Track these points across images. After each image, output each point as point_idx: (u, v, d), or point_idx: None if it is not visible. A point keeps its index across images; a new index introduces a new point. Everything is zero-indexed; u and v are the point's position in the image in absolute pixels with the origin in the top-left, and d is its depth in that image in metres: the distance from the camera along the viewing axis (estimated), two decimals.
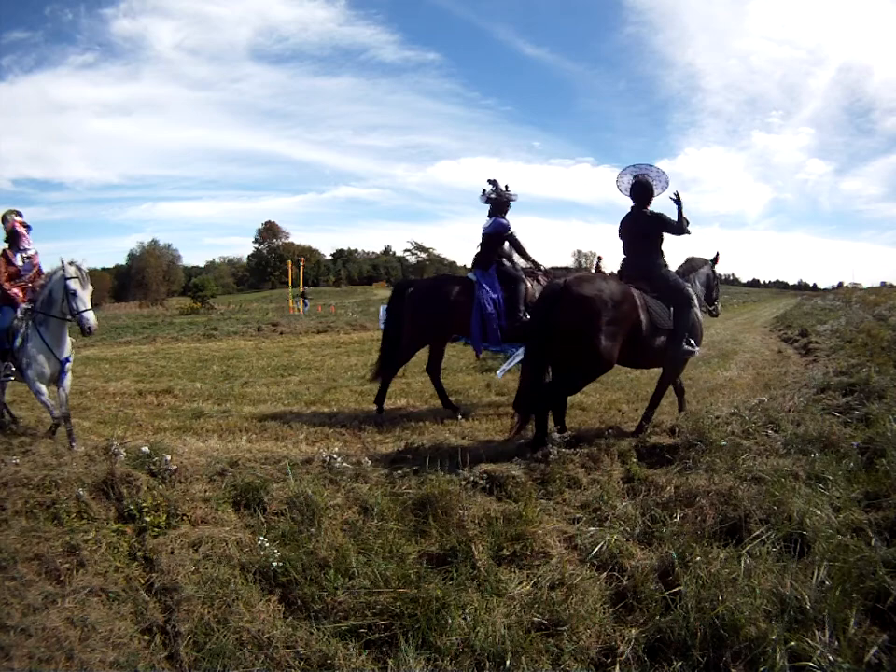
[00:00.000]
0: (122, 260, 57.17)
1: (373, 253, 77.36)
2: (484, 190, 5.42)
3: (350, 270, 71.78)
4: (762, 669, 1.69)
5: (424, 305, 5.05)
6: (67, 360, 4.28)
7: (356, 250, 75.88)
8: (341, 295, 46.71)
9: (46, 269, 4.46)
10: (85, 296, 4.09)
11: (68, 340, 4.31)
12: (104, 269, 58.29)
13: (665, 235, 4.10)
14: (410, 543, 2.52)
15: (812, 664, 1.67)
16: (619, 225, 4.24)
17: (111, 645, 1.92)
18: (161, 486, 2.87)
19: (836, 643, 1.73)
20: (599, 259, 14.44)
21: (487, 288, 5.07)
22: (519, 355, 7.80)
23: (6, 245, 4.54)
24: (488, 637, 1.90)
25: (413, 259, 74.33)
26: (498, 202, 5.35)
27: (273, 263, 62.81)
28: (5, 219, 4.57)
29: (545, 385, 3.67)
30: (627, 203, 4.25)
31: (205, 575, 2.25)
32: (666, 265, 4.16)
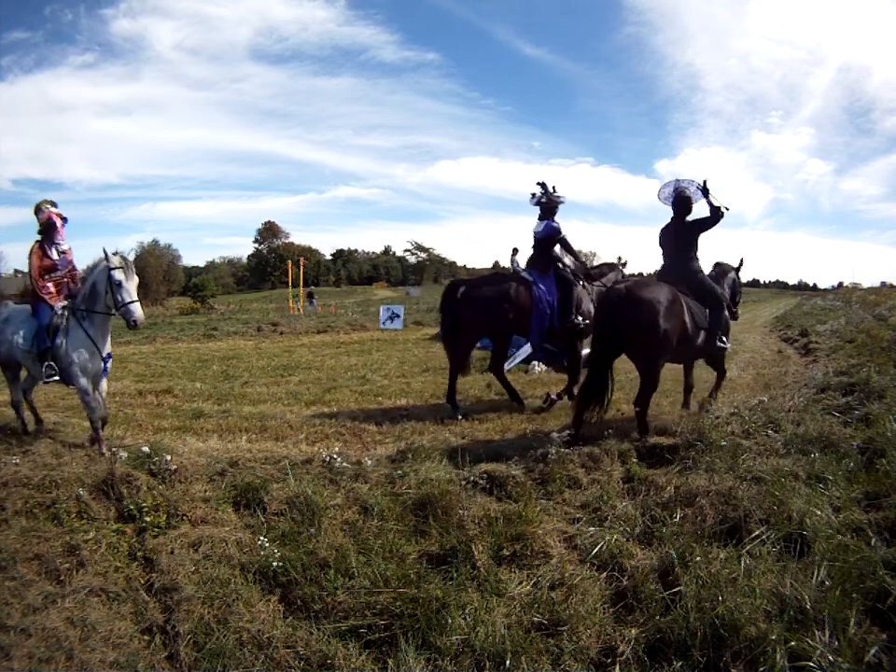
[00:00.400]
0: None
1: (373, 253, 77.40)
2: (534, 194, 5.49)
3: (350, 270, 71.77)
4: (762, 669, 1.69)
5: (485, 304, 5.11)
6: (109, 357, 4.17)
7: (356, 250, 75.86)
8: (341, 295, 46.69)
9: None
10: (131, 287, 3.90)
11: (109, 336, 4.17)
12: None
13: (702, 237, 4.43)
14: (410, 543, 2.52)
15: (812, 664, 1.67)
16: (660, 234, 4.52)
17: (111, 645, 1.92)
18: (160, 486, 2.87)
19: (836, 643, 1.73)
20: (515, 251, 14.27)
21: (544, 289, 5.27)
22: (519, 356, 7.85)
23: (39, 238, 4.23)
24: (488, 637, 1.90)
25: (413, 259, 74.36)
26: (548, 205, 5.44)
27: (273, 263, 62.79)
28: (39, 210, 4.25)
29: (639, 397, 4.04)
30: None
31: (205, 575, 2.25)
32: (702, 270, 4.48)
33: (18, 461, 3.09)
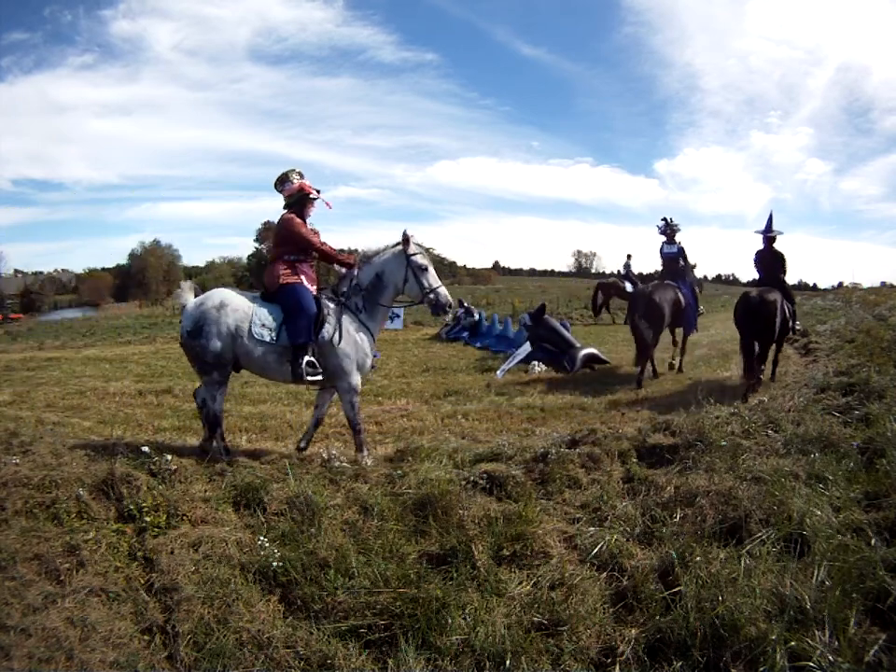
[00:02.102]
0: (122, 260, 57.17)
1: None
2: (659, 226, 7.67)
3: None
4: (762, 669, 1.69)
5: (668, 304, 6.86)
6: (377, 355, 3.89)
7: (355, 250, 75.62)
8: None
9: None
10: (433, 272, 3.63)
11: None
12: (104, 269, 58.38)
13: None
14: (410, 543, 2.52)
15: (812, 664, 1.67)
16: (755, 255, 6.26)
17: (111, 645, 1.92)
18: (160, 486, 2.87)
19: (836, 643, 1.73)
20: (629, 257, 15.33)
21: (688, 293, 7.30)
22: (519, 356, 7.87)
23: (288, 210, 3.72)
24: (488, 637, 1.90)
25: None
26: (672, 233, 7.60)
27: None
28: (287, 179, 3.74)
29: (757, 363, 5.64)
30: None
31: (205, 575, 2.24)
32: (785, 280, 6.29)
33: (18, 461, 3.08)
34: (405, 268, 3.67)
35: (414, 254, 3.64)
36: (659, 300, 6.74)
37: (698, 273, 9.21)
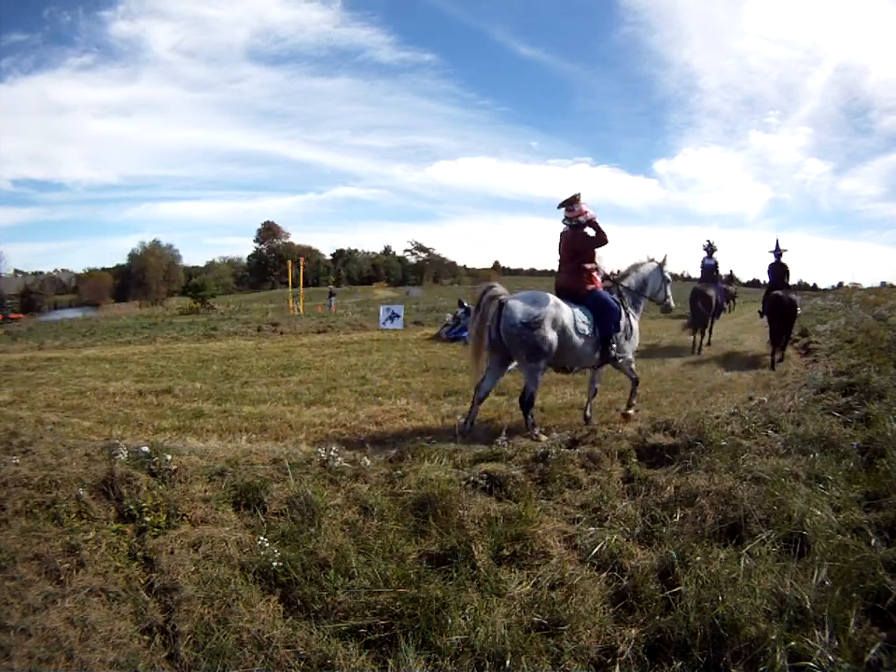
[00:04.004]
0: (122, 260, 57.22)
1: (373, 253, 77.37)
2: (703, 245, 10.25)
3: (350, 270, 71.76)
4: (762, 669, 1.69)
5: (714, 299, 9.64)
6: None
7: (356, 250, 75.83)
8: (341, 295, 46.53)
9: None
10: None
11: None
12: (104, 269, 58.40)
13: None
14: (410, 543, 2.52)
15: (812, 664, 1.67)
16: (769, 266, 8.57)
17: (111, 645, 1.92)
18: (161, 486, 2.86)
19: (836, 643, 1.73)
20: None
21: (720, 293, 10.12)
22: None
23: (574, 231, 4.62)
24: (488, 637, 1.90)
25: (413, 260, 74.36)
26: (711, 250, 10.16)
27: (273, 263, 62.82)
28: (575, 202, 4.55)
29: (783, 345, 8.01)
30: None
31: (205, 575, 2.24)
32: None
33: (18, 461, 3.08)
34: (661, 279, 5.16)
35: (665, 268, 5.17)
36: (711, 293, 9.67)
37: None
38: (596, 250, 4.67)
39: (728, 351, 9.37)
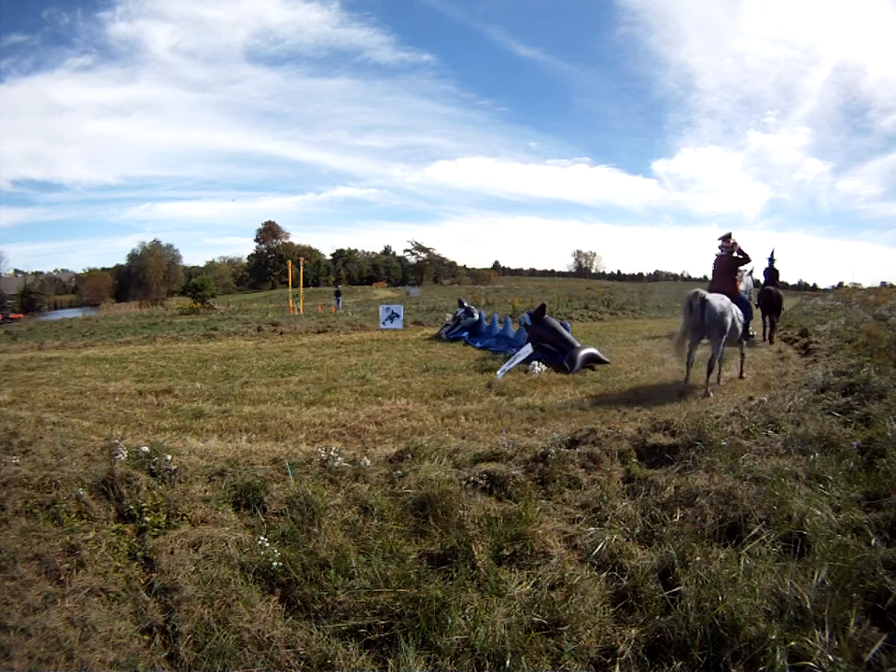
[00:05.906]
0: (122, 260, 57.26)
1: (373, 253, 77.41)
2: (768, 257, 11.52)
3: (350, 270, 71.77)
4: (761, 669, 1.69)
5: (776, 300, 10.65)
6: None
7: (355, 250, 75.89)
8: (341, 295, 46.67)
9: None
10: None
11: None
12: (104, 269, 58.43)
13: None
14: (410, 543, 2.52)
15: (812, 664, 1.67)
16: (764, 270, 10.79)
17: (111, 645, 1.92)
18: (160, 486, 2.86)
19: (836, 643, 1.73)
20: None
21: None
22: (520, 356, 7.88)
23: (726, 254, 7.03)
24: (488, 636, 1.90)
25: (412, 259, 74.39)
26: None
27: (273, 263, 62.87)
28: (730, 237, 6.98)
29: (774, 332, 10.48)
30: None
31: (205, 575, 2.24)
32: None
33: (18, 461, 3.08)
34: (752, 284, 7.53)
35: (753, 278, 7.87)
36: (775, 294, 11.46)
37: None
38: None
39: (728, 351, 9.35)
